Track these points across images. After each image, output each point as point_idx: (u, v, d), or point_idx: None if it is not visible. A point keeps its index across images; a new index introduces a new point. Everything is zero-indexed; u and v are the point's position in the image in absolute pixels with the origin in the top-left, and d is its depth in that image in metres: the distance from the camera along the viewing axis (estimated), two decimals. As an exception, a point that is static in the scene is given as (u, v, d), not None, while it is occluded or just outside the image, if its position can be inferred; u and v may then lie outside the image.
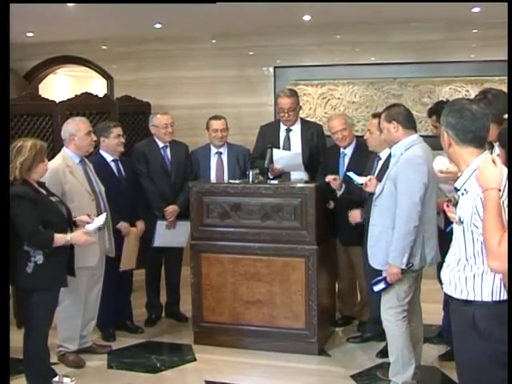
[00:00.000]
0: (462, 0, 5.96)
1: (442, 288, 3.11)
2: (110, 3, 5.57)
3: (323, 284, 5.40)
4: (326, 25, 7.44)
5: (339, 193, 5.40)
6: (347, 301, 5.98)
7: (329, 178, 5.37)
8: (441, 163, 4.26)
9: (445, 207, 3.12)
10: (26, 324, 4.53)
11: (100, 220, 4.75)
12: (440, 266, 3.23)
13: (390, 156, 4.92)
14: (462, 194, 2.94)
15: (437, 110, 5.34)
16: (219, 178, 6.02)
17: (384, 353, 5.07)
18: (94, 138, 5.27)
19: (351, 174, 4.94)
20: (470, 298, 2.90)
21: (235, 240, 5.37)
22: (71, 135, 5.17)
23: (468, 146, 2.96)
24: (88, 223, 4.64)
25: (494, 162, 2.77)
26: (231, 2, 5.85)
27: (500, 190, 2.73)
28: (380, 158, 5.09)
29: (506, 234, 2.61)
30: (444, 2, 6.01)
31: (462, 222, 2.89)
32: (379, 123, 4.84)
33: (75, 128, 5.19)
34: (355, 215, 5.17)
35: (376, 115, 5.20)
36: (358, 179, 4.82)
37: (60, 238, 4.34)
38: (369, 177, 4.67)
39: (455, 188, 3.01)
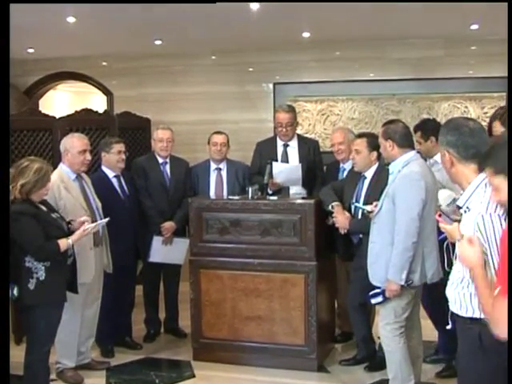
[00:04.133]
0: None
1: (448, 306, 3.11)
2: (112, 3, 5.55)
3: (322, 300, 5.40)
4: (325, 41, 7.49)
5: (343, 231, 5.22)
6: (347, 317, 5.96)
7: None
8: (447, 195, 4.25)
9: (437, 217, 3.14)
10: (28, 340, 4.52)
11: (99, 223, 4.81)
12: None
13: (375, 175, 5.00)
14: (465, 212, 2.96)
15: (422, 127, 5.44)
16: (218, 194, 6.04)
17: (371, 367, 5.18)
18: (88, 158, 5.20)
19: (358, 204, 5.00)
20: (476, 315, 2.90)
21: (234, 256, 5.37)
22: (65, 150, 5.18)
23: (470, 163, 2.98)
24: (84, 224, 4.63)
25: (470, 241, 2.77)
26: (231, 8, 5.88)
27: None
28: (365, 178, 5.14)
29: (498, 298, 2.54)
30: (442, 19, 6.07)
31: None
32: (368, 143, 4.92)
33: (70, 144, 5.19)
34: (343, 221, 5.12)
35: (361, 135, 5.31)
36: (366, 207, 4.83)
37: (63, 243, 4.39)
38: (374, 203, 4.68)
39: (458, 206, 3.03)
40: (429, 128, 5.43)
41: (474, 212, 2.86)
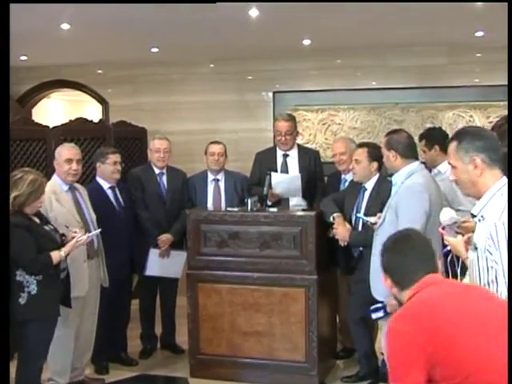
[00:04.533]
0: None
1: None
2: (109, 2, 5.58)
3: (324, 315, 5.39)
4: (326, 49, 7.51)
5: (343, 243, 5.21)
6: (348, 332, 5.95)
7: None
8: (448, 217, 4.25)
9: (440, 229, 3.14)
10: (20, 356, 4.51)
11: (91, 234, 4.82)
12: None
13: (376, 186, 5.00)
14: (479, 221, 2.96)
15: (427, 135, 5.52)
16: (216, 206, 6.04)
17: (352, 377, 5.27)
18: (74, 167, 5.15)
19: (361, 215, 4.99)
20: None
21: (233, 269, 5.37)
22: (55, 159, 5.20)
23: (495, 168, 2.98)
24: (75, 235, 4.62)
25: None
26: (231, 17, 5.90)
27: None
28: (366, 189, 5.15)
29: None
30: (446, 26, 6.09)
31: (477, 249, 2.91)
32: (369, 153, 4.93)
33: (58, 153, 5.21)
34: (343, 233, 5.11)
35: (362, 145, 5.33)
36: (370, 218, 4.82)
37: (55, 255, 4.39)
38: (378, 215, 4.68)
39: (472, 214, 3.03)
40: (433, 136, 5.47)
41: (488, 220, 2.87)
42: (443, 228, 3.14)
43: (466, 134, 3.08)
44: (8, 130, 4.20)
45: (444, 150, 5.40)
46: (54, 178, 5.18)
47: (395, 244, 2.89)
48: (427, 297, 2.61)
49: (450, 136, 3.33)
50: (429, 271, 2.72)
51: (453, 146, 3.09)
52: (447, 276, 3.23)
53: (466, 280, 3.04)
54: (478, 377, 2.40)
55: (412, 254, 2.77)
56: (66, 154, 5.18)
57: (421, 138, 5.62)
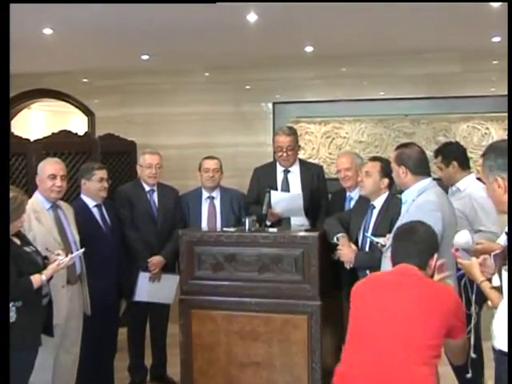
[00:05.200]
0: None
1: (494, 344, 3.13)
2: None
3: (328, 344, 5.39)
4: (330, 56, 7.56)
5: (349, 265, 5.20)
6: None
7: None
8: (464, 241, 4.27)
9: (453, 251, 3.17)
10: (-5, 389, 4.50)
11: (74, 255, 4.80)
12: None
13: (385, 204, 5.02)
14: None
15: (443, 151, 5.53)
16: (211, 226, 6.07)
17: None
18: (58, 184, 5.16)
19: (369, 235, 5.01)
20: None
21: (229, 294, 5.38)
22: (37, 175, 5.24)
23: None
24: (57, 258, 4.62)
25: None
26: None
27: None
28: (374, 207, 5.17)
29: None
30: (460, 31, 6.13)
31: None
32: (382, 168, 4.95)
33: (40, 168, 5.24)
34: (348, 255, 5.12)
35: (375, 159, 5.38)
36: (378, 239, 4.84)
37: (36, 279, 4.37)
38: (387, 235, 4.69)
39: (505, 233, 3.08)
40: (451, 152, 5.49)
41: None
42: (456, 250, 3.18)
43: (491, 152, 3.15)
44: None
45: (462, 166, 5.45)
46: (36, 195, 5.21)
47: (400, 231, 3.76)
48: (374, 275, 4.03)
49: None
50: (407, 261, 3.54)
51: (480, 162, 3.23)
52: (461, 299, 3.27)
53: (503, 303, 3.06)
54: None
55: (404, 243, 3.62)
56: (49, 169, 5.21)
57: (437, 153, 5.63)
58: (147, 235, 6.01)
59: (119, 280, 5.80)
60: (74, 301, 5.19)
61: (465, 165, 5.49)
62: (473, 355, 4.21)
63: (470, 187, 5.29)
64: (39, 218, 5.05)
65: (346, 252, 5.11)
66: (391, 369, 3.23)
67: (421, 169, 4.50)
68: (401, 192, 4.72)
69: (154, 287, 5.96)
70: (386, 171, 5.03)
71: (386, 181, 5.10)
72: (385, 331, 3.35)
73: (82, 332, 5.33)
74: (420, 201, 4.36)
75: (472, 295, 4.41)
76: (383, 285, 3.62)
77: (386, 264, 4.46)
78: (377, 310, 3.46)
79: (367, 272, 5.10)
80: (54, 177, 5.18)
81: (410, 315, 3.33)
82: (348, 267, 5.16)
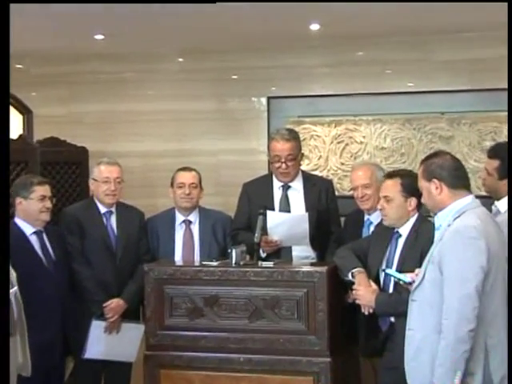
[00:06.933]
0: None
1: None
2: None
3: (341, 414, 5.41)
4: (343, 37, 7.58)
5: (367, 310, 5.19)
6: None
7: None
8: None
9: None
10: None
11: None
12: None
13: (413, 230, 5.03)
14: None
15: (499, 153, 5.32)
16: (188, 259, 6.10)
17: None
18: None
19: (391, 271, 4.99)
20: None
21: (211, 350, 5.39)
22: None
23: None
24: None
25: None
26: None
27: None
28: (400, 235, 5.19)
29: None
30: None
31: None
32: (403, 186, 4.96)
33: None
34: (367, 297, 5.14)
35: (392, 175, 5.33)
36: (403, 276, 4.81)
37: None
38: (416, 271, 4.68)
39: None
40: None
41: None
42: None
43: None
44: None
45: None
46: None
47: None
48: None
49: None
50: None
51: None
52: None
53: None
54: None
55: None
56: None
57: (494, 155, 5.35)
58: (103, 272, 6.02)
59: (65, 331, 5.79)
60: (11, 358, 5.17)
61: None
62: None
63: None
64: None
65: (364, 293, 5.11)
66: None
67: (460, 180, 4.46)
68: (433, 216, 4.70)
69: (111, 340, 5.97)
70: (411, 188, 5.00)
71: (413, 200, 5.09)
72: None
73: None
74: (458, 225, 4.32)
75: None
76: None
77: (415, 309, 4.48)
78: None
79: (392, 319, 5.13)
80: None
81: None
82: (366, 313, 5.17)
